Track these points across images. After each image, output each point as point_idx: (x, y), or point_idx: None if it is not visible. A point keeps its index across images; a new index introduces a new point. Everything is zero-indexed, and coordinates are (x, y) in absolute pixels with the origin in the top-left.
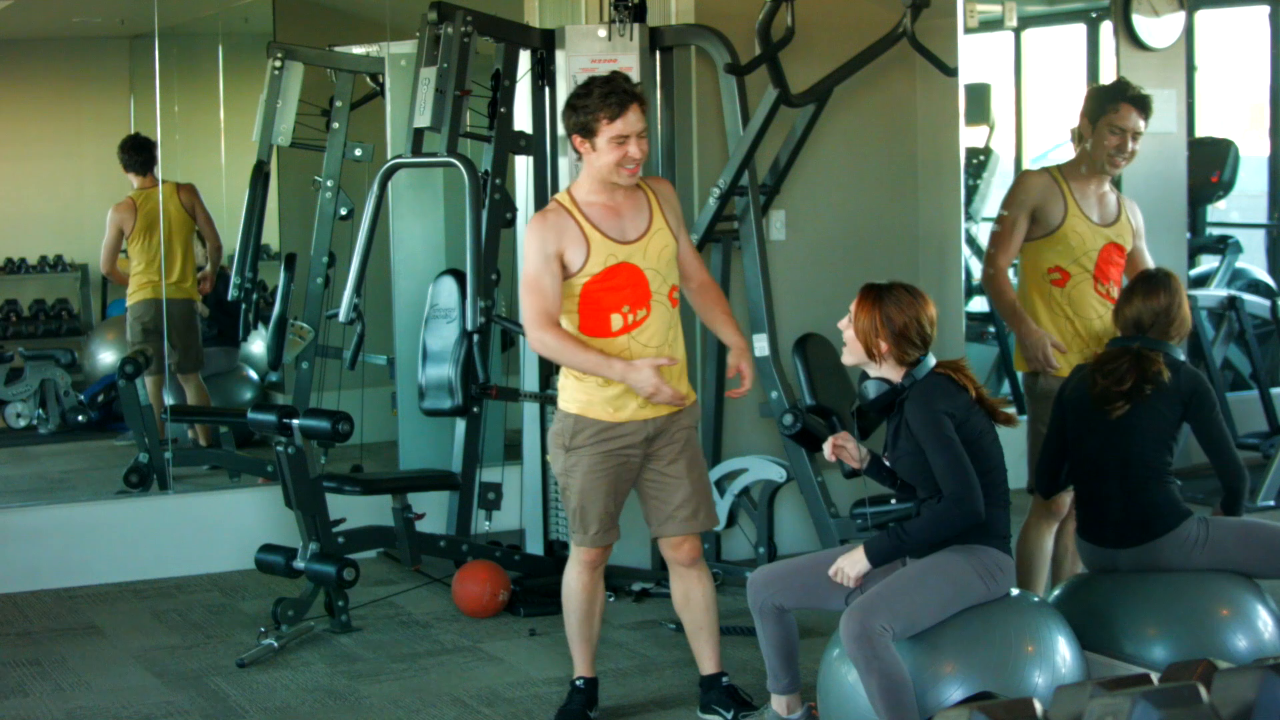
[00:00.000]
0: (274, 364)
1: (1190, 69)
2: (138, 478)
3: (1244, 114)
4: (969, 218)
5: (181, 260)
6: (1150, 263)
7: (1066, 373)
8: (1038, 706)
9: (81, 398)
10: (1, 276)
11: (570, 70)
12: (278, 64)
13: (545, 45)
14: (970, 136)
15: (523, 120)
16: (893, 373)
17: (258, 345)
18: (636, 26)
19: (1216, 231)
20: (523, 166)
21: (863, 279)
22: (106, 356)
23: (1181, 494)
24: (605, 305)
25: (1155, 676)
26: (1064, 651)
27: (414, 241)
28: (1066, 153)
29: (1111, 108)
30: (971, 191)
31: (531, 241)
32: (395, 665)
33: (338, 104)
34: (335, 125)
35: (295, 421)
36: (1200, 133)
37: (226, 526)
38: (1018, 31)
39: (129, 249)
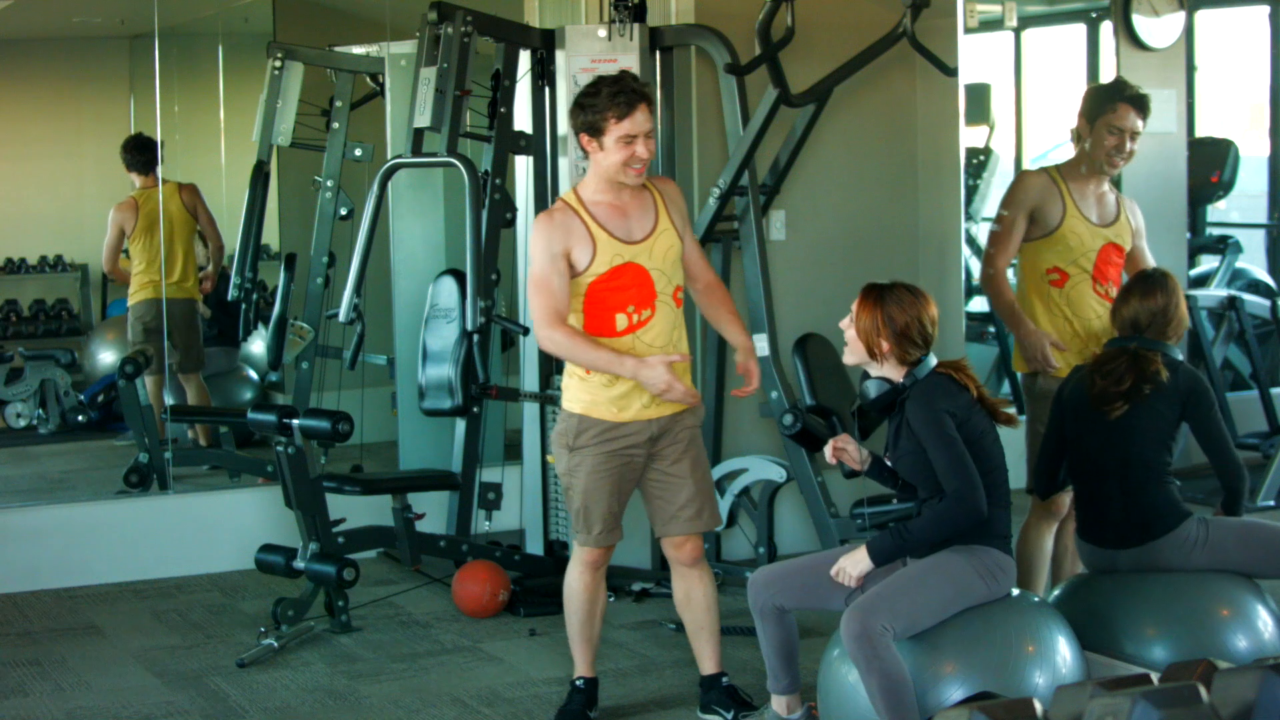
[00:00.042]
0: (274, 364)
1: (1190, 69)
2: (138, 478)
3: (1244, 114)
4: (969, 218)
5: (183, 260)
6: (1151, 262)
7: (1066, 373)
8: (1038, 706)
9: (81, 398)
10: (1, 276)
11: (570, 70)
12: (278, 64)
13: (545, 45)
14: (970, 136)
15: (523, 120)
16: (894, 372)
17: (258, 345)
18: (636, 26)
19: (1216, 231)
20: (523, 166)
21: (863, 279)
22: (106, 356)
23: (1181, 494)
24: (610, 305)
25: (1155, 676)
26: (1064, 651)
27: (414, 241)
28: (1066, 153)
29: (1109, 108)
30: (971, 191)
31: (538, 240)
32: (395, 665)
33: (338, 104)
34: (335, 125)
35: (295, 421)
36: (1200, 133)
37: (226, 526)
38: (1018, 31)
39: (130, 249)
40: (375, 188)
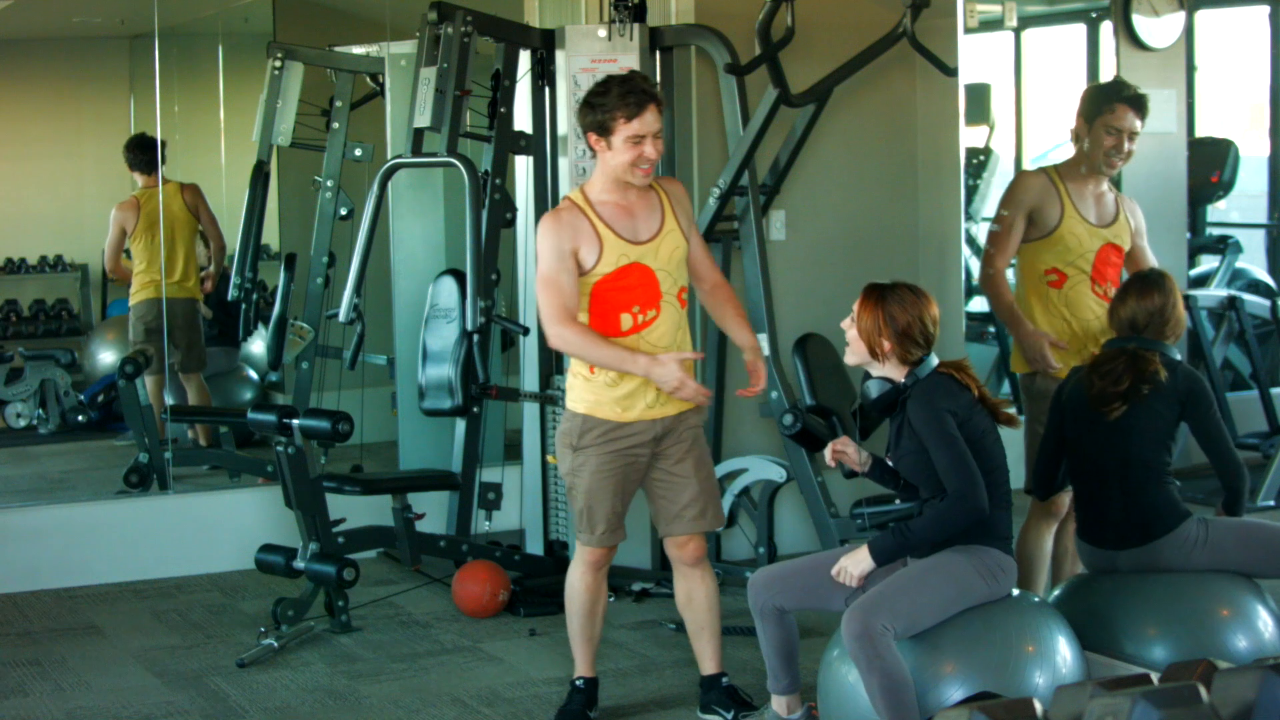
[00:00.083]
0: (274, 364)
1: (1190, 69)
2: (138, 478)
3: (1244, 114)
4: (969, 218)
5: (184, 260)
6: (1153, 261)
7: (1065, 373)
8: (1038, 706)
9: (81, 398)
10: (1, 276)
11: (570, 70)
12: (278, 64)
13: (545, 45)
14: (970, 136)
15: (523, 120)
16: (895, 372)
17: (258, 345)
18: (636, 26)
19: (1216, 231)
20: (523, 166)
21: (863, 279)
22: (106, 356)
23: (1181, 494)
24: (615, 305)
25: (1155, 676)
26: (1064, 651)
27: (414, 241)
28: (1066, 153)
29: (1108, 108)
30: (971, 191)
31: (545, 239)
32: (395, 665)
33: (338, 104)
34: (335, 125)
35: (295, 421)
36: (1200, 133)
37: (226, 526)
38: (1018, 31)
39: (131, 248)
40: (375, 188)
